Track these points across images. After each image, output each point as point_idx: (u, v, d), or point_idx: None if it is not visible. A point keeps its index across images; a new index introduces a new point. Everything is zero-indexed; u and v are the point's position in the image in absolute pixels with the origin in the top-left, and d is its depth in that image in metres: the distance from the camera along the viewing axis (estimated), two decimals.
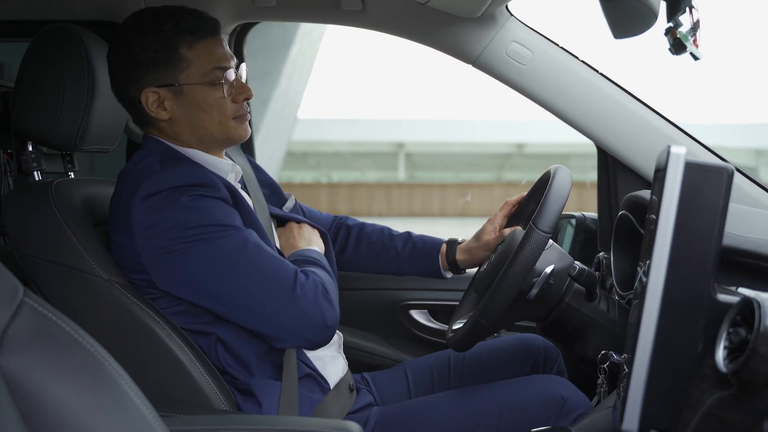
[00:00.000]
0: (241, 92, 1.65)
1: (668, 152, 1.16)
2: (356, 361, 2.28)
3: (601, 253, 2.10)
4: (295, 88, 15.51)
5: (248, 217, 1.58)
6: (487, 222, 1.95)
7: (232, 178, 1.71)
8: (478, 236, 1.95)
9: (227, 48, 1.66)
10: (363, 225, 2.07)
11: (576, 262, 1.73)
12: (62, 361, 0.96)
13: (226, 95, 1.62)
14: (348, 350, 2.10)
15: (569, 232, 2.41)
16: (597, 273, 2.01)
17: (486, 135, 24.69)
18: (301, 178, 28.84)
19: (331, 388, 1.70)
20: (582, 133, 2.05)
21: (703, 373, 1.15)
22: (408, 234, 2.03)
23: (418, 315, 2.41)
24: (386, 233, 2.04)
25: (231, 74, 1.63)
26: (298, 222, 1.82)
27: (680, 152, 1.16)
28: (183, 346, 1.54)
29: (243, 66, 1.70)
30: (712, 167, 1.16)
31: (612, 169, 2.09)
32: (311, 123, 25.62)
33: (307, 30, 14.14)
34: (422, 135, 26.43)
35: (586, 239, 2.36)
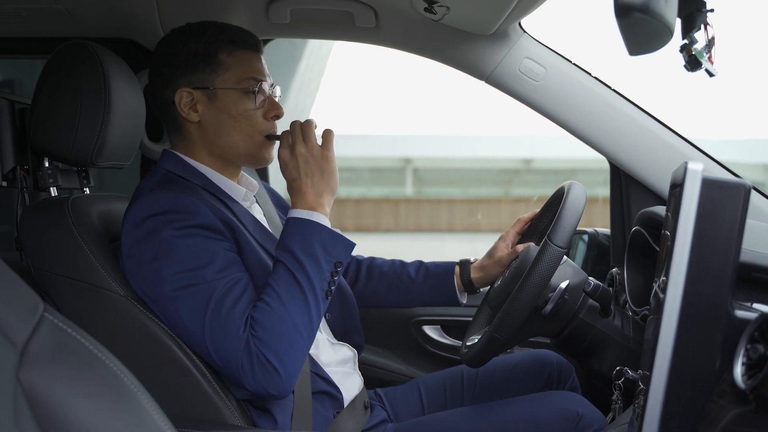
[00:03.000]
0: (272, 109, 1.68)
1: (685, 168, 1.16)
2: (369, 376, 2.27)
3: (614, 269, 2.10)
4: (303, 103, 15.53)
5: (243, 240, 1.58)
6: (500, 239, 1.96)
7: (247, 205, 1.73)
8: (491, 253, 1.96)
9: (265, 66, 1.70)
10: (373, 258, 2.08)
11: (590, 278, 1.73)
12: (82, 375, 0.95)
13: (257, 106, 1.65)
14: (361, 366, 2.10)
15: (581, 248, 2.41)
16: (610, 289, 2.01)
17: (494, 150, 24.68)
18: None
19: (347, 405, 1.70)
20: (595, 149, 2.06)
21: (721, 389, 1.15)
22: (420, 261, 2.04)
23: (430, 331, 2.41)
24: (397, 262, 2.05)
25: (264, 87, 1.66)
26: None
27: (697, 168, 1.16)
28: (198, 362, 1.54)
29: (278, 87, 1.72)
30: (729, 183, 1.16)
31: (625, 185, 2.09)
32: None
33: (314, 46, 14.18)
34: (430, 150, 26.44)
35: (598, 255, 2.36)
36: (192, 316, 1.47)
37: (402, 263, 2.04)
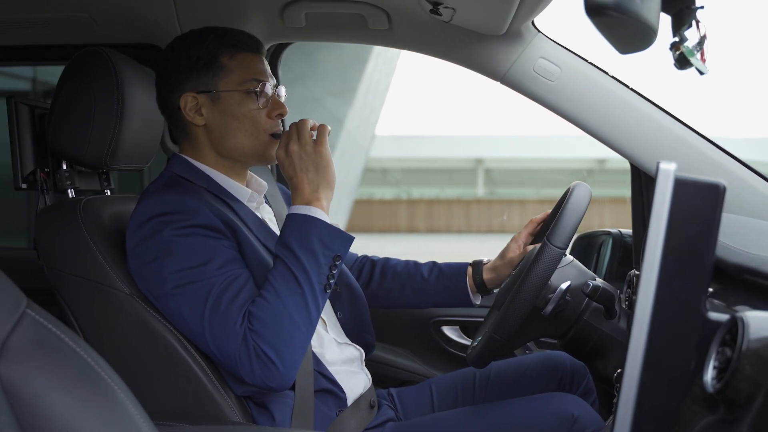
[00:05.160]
0: (276, 108, 1.71)
1: (657, 168, 1.15)
2: (387, 376, 2.29)
3: (632, 271, 2.06)
4: (372, 105, 15.60)
5: (244, 240, 1.62)
6: (512, 240, 1.96)
7: (253, 206, 1.76)
8: (503, 254, 1.96)
9: (267, 67, 1.73)
10: (388, 259, 2.10)
11: (598, 279, 1.71)
12: (60, 370, 0.99)
13: (260, 107, 1.68)
14: (379, 365, 2.12)
15: (608, 250, 2.38)
16: (628, 290, 1.98)
17: (567, 150, 24.39)
18: (381, 195, 28.99)
19: (350, 404, 1.71)
20: (613, 149, 2.03)
21: (694, 393, 1.13)
22: (433, 262, 2.06)
23: (449, 331, 2.41)
24: (411, 263, 2.07)
25: (267, 87, 1.69)
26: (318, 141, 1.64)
27: (669, 168, 1.14)
28: (199, 359, 1.58)
29: (282, 87, 1.76)
30: (704, 183, 1.14)
31: (645, 185, 2.06)
32: (390, 139, 25.76)
33: (382, 47, 14.24)
34: (501, 151, 26.28)
35: (623, 256, 2.32)
36: (193, 312, 1.52)
37: (416, 264, 2.05)
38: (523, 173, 27.86)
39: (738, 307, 1.29)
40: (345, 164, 14.59)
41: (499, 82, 2.05)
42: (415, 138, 28.04)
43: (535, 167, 26.68)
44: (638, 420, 1.15)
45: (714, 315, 1.14)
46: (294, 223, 1.56)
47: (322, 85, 12.98)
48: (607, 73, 2.01)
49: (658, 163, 1.15)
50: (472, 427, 1.66)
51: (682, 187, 1.14)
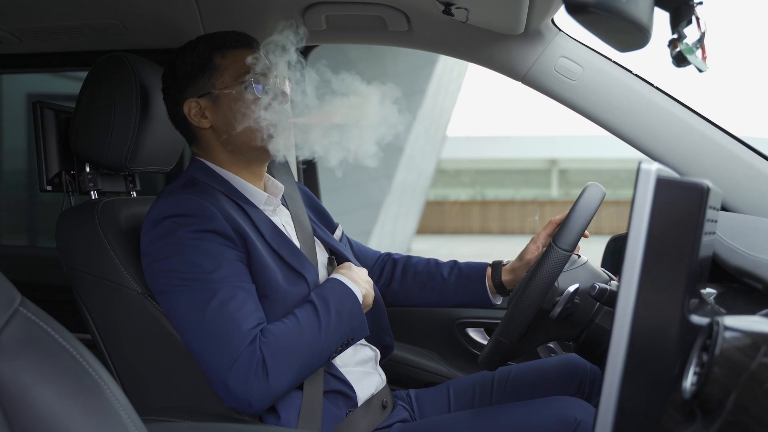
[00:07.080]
0: (276, 95, 1.71)
1: (638, 168, 1.13)
2: (410, 377, 2.28)
3: None
4: (442, 106, 15.54)
5: (253, 248, 1.63)
6: (531, 241, 1.94)
7: (269, 210, 1.78)
8: (521, 256, 1.94)
9: (264, 59, 1.73)
10: (409, 257, 2.10)
11: (613, 281, 1.68)
12: (48, 366, 1.02)
13: (259, 97, 1.69)
14: (402, 366, 2.11)
15: None
16: None
17: None
18: (456, 196, 28.88)
19: (361, 404, 1.72)
20: (637, 149, 1.99)
21: (675, 400, 1.10)
22: (454, 261, 2.05)
23: (474, 333, 2.39)
24: (432, 262, 2.06)
25: (264, 78, 1.70)
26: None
27: (651, 168, 1.12)
28: None
29: (286, 79, 1.77)
30: (687, 183, 1.12)
31: None
32: (463, 141, 25.64)
33: None
34: (576, 151, 25.90)
35: None
36: (191, 310, 1.54)
37: (437, 263, 2.05)
38: (599, 174, 27.40)
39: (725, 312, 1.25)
40: (415, 166, 14.58)
41: (520, 82, 2.03)
42: (489, 139, 27.86)
43: (611, 168, 26.21)
44: (619, 424, 1.13)
45: (696, 319, 1.11)
46: (338, 287, 1.65)
47: (393, 87, 12.95)
48: (631, 72, 1.97)
49: (639, 163, 1.13)
50: (474, 429, 1.64)
51: (664, 186, 1.11)
